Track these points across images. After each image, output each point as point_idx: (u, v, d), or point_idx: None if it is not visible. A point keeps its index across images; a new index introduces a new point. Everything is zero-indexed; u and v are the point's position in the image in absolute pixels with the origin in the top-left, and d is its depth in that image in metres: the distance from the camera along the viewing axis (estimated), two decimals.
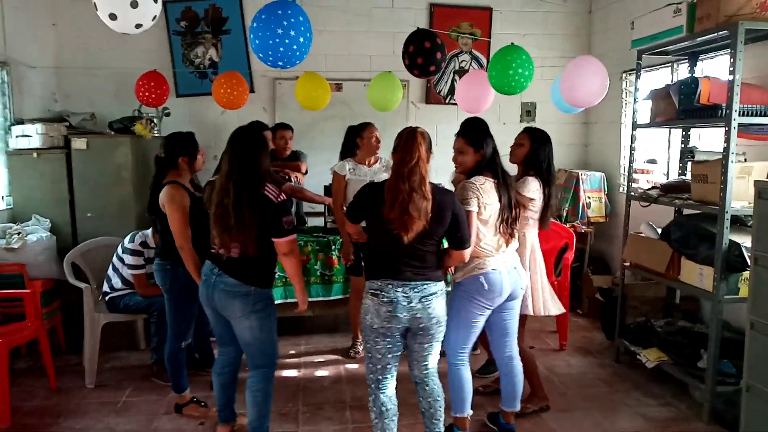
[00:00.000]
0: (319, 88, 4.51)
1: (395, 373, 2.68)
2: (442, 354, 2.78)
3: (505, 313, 2.99)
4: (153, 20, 2.65)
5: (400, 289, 2.50)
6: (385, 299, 2.50)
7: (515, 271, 2.93)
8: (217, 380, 3.00)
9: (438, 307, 2.57)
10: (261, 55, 2.98)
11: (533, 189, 3.19)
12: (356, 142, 4.05)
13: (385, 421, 2.64)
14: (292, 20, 2.89)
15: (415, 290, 2.51)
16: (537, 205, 3.23)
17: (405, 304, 2.49)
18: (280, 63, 2.94)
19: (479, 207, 2.73)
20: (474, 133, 2.88)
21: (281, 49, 2.88)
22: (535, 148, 3.25)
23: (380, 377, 2.63)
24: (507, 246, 2.87)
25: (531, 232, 3.30)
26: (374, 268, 2.59)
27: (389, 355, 2.60)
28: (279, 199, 2.62)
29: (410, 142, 2.50)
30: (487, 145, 2.84)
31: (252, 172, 2.61)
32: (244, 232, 2.57)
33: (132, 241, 3.83)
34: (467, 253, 2.66)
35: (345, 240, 3.95)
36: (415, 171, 2.45)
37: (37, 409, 3.47)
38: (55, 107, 5.27)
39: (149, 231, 3.84)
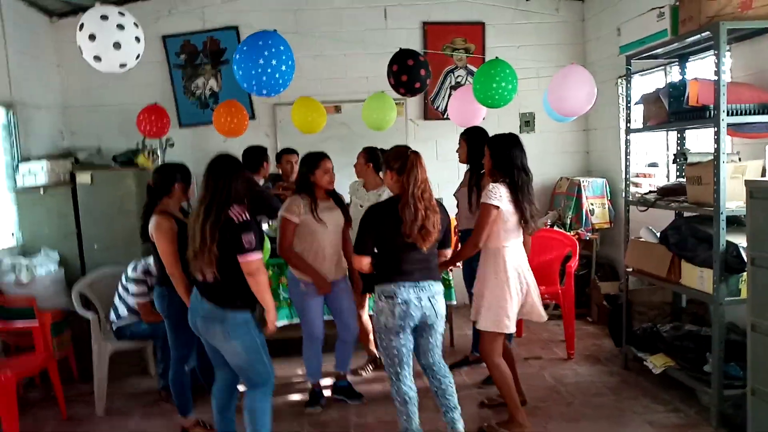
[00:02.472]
0: (314, 112, 4.59)
1: (411, 364, 2.95)
2: None
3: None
4: (137, 59, 2.73)
5: (412, 290, 2.82)
6: (400, 300, 2.80)
7: None
8: (215, 403, 3.02)
9: (442, 305, 2.94)
10: (245, 84, 3.07)
11: (496, 196, 3.06)
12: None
13: (409, 407, 2.90)
14: (273, 50, 2.97)
15: (423, 290, 2.85)
16: (506, 213, 3.09)
17: (417, 303, 2.82)
18: (264, 91, 3.02)
19: None
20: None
21: (264, 78, 2.96)
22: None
23: (399, 369, 2.90)
24: None
25: (499, 243, 3.15)
26: (387, 271, 2.87)
27: (404, 350, 2.88)
28: (241, 219, 2.66)
29: (417, 164, 2.81)
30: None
31: (222, 195, 2.66)
32: (204, 251, 2.62)
33: (135, 270, 3.90)
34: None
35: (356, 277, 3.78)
36: (426, 189, 2.81)
37: None
38: (63, 144, 5.42)
39: (151, 259, 3.90)
